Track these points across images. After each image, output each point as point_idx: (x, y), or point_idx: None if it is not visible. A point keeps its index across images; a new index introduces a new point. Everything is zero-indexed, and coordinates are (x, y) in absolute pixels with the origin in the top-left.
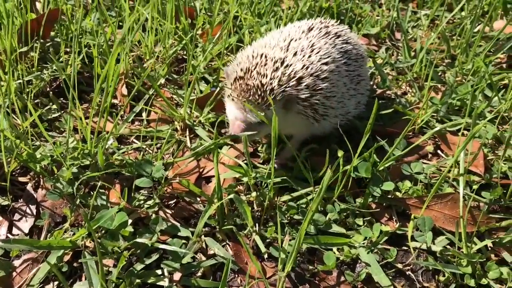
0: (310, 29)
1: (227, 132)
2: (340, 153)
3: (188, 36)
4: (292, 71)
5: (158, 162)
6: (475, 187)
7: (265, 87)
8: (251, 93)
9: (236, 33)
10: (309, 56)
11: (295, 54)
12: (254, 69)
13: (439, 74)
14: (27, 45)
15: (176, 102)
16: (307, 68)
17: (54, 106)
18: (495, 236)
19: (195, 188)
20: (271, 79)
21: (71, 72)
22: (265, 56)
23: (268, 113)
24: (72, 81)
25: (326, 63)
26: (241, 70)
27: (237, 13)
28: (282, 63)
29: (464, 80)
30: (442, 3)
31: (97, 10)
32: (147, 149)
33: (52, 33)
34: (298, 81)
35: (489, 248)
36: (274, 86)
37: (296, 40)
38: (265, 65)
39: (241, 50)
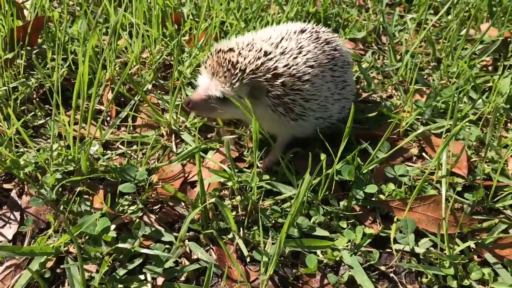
0: (302, 31)
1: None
2: (322, 156)
3: (174, 42)
4: (272, 65)
5: (142, 168)
6: (458, 189)
7: (238, 66)
8: (224, 65)
9: (223, 38)
10: (295, 57)
11: (282, 52)
12: (237, 49)
13: (425, 77)
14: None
15: (162, 107)
16: (289, 67)
17: (40, 113)
18: (478, 237)
19: (178, 193)
20: (248, 62)
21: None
22: (253, 45)
23: (231, 93)
24: (56, 87)
25: (311, 66)
26: (226, 46)
27: (223, 18)
28: (266, 55)
29: (449, 83)
30: (429, 6)
31: (84, 17)
32: (132, 154)
33: (40, 40)
34: (275, 76)
35: (472, 250)
36: (247, 69)
37: (287, 39)
38: (249, 51)
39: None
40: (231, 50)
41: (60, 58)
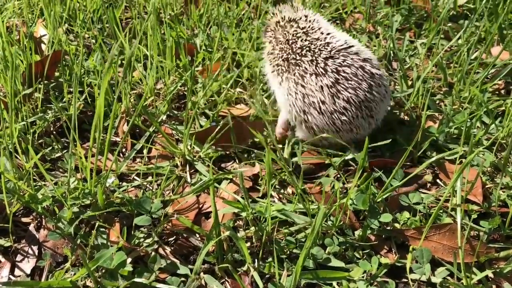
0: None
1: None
2: (336, 186)
3: (188, 73)
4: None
5: (157, 200)
6: (473, 216)
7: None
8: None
9: (236, 68)
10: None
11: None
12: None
13: (437, 102)
14: (32, 86)
15: (176, 138)
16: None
17: (57, 146)
18: (496, 266)
19: (192, 225)
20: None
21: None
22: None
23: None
24: (73, 121)
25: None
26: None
27: (235, 49)
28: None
29: (461, 108)
30: (438, 31)
31: (100, 50)
32: (147, 186)
33: (56, 74)
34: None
35: (490, 279)
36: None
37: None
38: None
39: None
40: (283, 23)
41: (77, 92)
